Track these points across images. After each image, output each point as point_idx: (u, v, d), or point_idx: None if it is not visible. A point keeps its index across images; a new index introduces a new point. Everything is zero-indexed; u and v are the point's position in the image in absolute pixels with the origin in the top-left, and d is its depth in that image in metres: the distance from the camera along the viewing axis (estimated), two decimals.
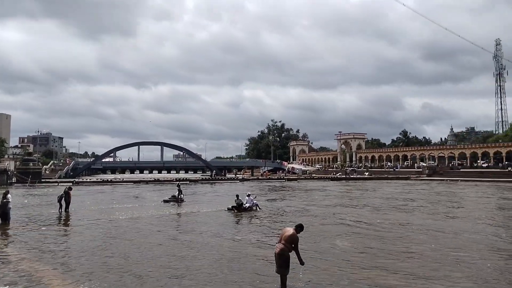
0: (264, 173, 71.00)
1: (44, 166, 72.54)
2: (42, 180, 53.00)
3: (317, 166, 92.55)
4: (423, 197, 27.24)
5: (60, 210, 18.54)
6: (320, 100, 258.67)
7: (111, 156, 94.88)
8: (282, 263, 6.73)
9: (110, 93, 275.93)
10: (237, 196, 19.07)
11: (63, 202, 18.83)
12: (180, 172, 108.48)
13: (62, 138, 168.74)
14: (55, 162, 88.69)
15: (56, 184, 48.16)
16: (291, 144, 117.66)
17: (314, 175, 69.89)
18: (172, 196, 24.69)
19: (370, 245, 10.85)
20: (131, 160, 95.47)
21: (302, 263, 6.83)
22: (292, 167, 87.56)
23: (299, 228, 6.95)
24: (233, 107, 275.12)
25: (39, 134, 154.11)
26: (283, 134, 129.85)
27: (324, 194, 31.64)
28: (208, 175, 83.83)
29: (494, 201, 24.43)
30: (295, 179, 59.22)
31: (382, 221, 15.40)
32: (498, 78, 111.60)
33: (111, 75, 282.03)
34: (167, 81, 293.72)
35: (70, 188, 19.85)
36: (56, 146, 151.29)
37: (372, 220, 15.83)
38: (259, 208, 19.29)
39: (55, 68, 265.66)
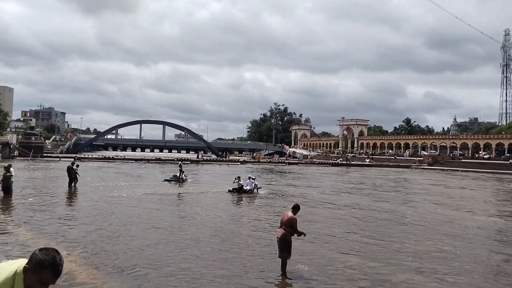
0: (257, 156, 71.00)
1: (46, 141, 72.57)
2: (44, 154, 53.22)
3: (318, 151, 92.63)
4: (392, 184, 27.35)
5: (73, 184, 18.83)
6: (321, 85, 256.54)
7: (113, 133, 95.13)
8: (284, 247, 6.82)
9: (111, 70, 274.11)
10: (238, 178, 19.09)
11: (74, 176, 19.13)
12: (182, 152, 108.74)
13: (65, 113, 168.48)
14: (57, 137, 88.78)
15: (58, 159, 48.38)
16: (293, 128, 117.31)
17: (314, 160, 69.96)
18: (173, 175, 24.82)
19: (352, 228, 10.98)
20: (133, 138, 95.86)
21: (303, 234, 7.01)
22: (294, 151, 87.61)
23: (296, 209, 7.03)
24: (234, 89, 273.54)
25: (42, 108, 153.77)
26: (285, 118, 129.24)
27: (316, 180, 31.72)
28: (209, 155, 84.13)
29: (447, 191, 24.40)
30: (296, 163, 59.34)
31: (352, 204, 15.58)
32: (505, 69, 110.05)
33: (111, 51, 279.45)
34: (167, 60, 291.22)
35: (73, 163, 20.00)
36: (58, 121, 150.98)
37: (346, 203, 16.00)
38: (259, 187, 19.47)
39: (55, 42, 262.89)
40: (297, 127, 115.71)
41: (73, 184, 18.87)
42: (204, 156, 75.90)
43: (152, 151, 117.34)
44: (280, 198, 18.29)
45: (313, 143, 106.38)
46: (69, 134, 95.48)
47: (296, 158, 78.37)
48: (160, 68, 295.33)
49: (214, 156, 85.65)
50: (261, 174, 34.26)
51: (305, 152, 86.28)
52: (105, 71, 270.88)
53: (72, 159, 42.06)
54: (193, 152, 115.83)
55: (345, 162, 61.56)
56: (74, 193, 17.30)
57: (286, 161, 64.00)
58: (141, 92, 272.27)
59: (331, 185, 25.98)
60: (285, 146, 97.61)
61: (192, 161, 53.93)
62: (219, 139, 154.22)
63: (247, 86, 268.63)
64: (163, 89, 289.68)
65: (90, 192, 17.58)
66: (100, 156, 57.01)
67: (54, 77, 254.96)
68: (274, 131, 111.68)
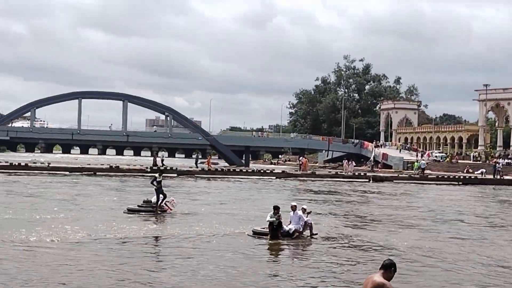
0: (304, 164, 69.35)
1: None
2: None
3: (436, 153, 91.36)
4: None
5: None
6: (434, 18, 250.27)
7: (26, 118, 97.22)
8: None
9: None
10: (276, 209, 19.10)
11: None
12: (160, 154, 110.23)
13: None
14: None
15: None
16: (382, 107, 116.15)
17: (428, 171, 69.06)
18: (144, 201, 25.18)
19: None
20: (66, 127, 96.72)
21: None
22: (384, 154, 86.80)
23: (389, 269, 6.97)
24: (255, 27, 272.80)
25: None
26: (367, 86, 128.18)
27: None
28: (215, 161, 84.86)
29: None
30: (390, 179, 58.64)
31: None
32: None
33: None
34: None
35: None
36: None
37: None
38: (313, 234, 19.37)
39: None
40: (392, 105, 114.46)
41: None
42: (203, 162, 76.57)
43: (102, 152, 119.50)
44: (354, 247, 18.28)
45: (425, 138, 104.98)
46: None
47: (391, 166, 77.59)
48: None
49: (223, 163, 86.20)
50: (315, 201, 34.28)
51: (408, 156, 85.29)
52: None
53: None
54: (183, 156, 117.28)
55: (492, 177, 60.51)
56: None
57: (370, 172, 63.55)
58: (74, 34, 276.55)
59: None
60: (365, 143, 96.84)
61: (179, 174, 54.38)
62: (232, 128, 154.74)
63: (281, 21, 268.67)
64: (115, 30, 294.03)
65: None
66: (1, 163, 58.11)
67: None
68: (344, 113, 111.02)
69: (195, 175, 55.16)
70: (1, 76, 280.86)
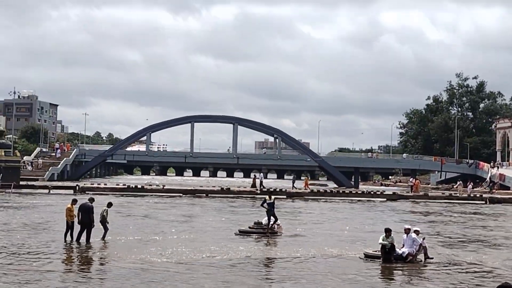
0: (414, 185, 66.23)
1: (25, 157, 78.47)
2: (21, 182, 58.06)
3: None
4: None
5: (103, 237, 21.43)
6: None
7: (141, 142, 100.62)
8: None
9: (127, 22, 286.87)
10: (388, 231, 18.85)
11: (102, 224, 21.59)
12: (269, 175, 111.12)
13: (56, 105, 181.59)
14: (44, 150, 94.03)
15: (47, 190, 52.57)
16: (498, 125, 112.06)
17: None
18: (256, 223, 25.50)
19: None
20: (179, 150, 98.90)
21: None
22: (501, 175, 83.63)
23: None
24: (362, 47, 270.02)
25: (16, 97, 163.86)
26: (481, 105, 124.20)
27: None
28: (324, 183, 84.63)
29: None
30: (509, 201, 56.17)
31: None
32: None
33: None
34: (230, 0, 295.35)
35: (92, 200, 21.76)
36: (45, 120, 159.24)
37: None
38: (428, 257, 18.89)
39: None
40: (508, 123, 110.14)
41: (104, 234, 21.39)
42: (321, 183, 76.42)
43: (214, 174, 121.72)
44: (467, 272, 17.75)
45: None
46: (64, 145, 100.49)
47: (509, 187, 74.76)
48: (217, 15, 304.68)
49: (332, 185, 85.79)
50: (420, 222, 33.66)
51: None
52: (117, 23, 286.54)
53: (73, 191, 45.32)
54: (291, 176, 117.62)
55: None
56: (83, 253, 19.08)
57: (487, 194, 61.26)
58: (186, 60, 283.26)
59: None
60: (481, 164, 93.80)
61: (289, 196, 54.58)
62: (340, 149, 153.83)
63: (389, 40, 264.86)
64: (224, 55, 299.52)
65: (110, 251, 19.15)
66: (119, 186, 60.80)
67: (31, 37, 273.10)
68: (457, 132, 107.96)
69: (304, 197, 55.18)
70: (118, 102, 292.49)
